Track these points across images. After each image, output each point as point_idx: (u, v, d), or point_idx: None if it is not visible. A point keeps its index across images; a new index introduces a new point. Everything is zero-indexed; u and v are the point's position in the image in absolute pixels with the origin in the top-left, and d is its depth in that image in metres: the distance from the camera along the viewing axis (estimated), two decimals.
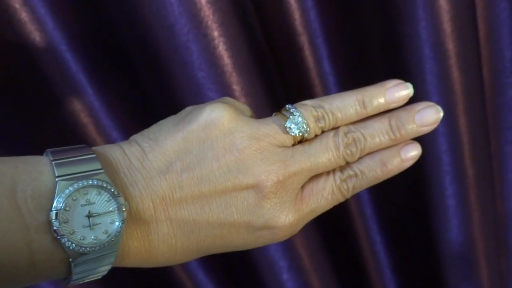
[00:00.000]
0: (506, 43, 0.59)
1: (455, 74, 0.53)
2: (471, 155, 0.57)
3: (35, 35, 0.48)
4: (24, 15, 0.47)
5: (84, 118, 0.53)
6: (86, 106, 0.52)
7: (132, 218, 0.30)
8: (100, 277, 0.30)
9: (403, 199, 0.67)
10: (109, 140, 0.54)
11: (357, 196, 0.66)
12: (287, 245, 0.58)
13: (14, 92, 0.49)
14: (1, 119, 0.50)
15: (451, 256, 0.64)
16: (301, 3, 0.54)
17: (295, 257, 0.59)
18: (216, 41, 0.47)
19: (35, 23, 0.47)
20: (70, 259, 0.27)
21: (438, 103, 0.54)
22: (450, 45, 0.52)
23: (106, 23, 0.51)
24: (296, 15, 0.54)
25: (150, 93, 0.54)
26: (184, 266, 0.63)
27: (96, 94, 0.52)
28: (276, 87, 0.54)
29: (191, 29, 0.46)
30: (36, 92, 0.50)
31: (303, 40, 0.56)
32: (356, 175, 0.35)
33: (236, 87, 0.49)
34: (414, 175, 0.62)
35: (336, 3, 0.56)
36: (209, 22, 0.46)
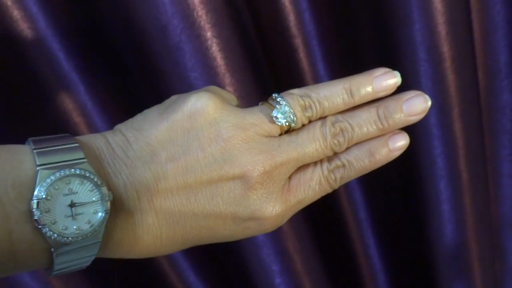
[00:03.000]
0: (501, 46, 0.59)
1: (450, 77, 0.53)
2: (465, 159, 0.57)
3: (27, 33, 0.47)
4: (16, 13, 0.47)
5: (76, 118, 0.52)
6: (78, 105, 0.52)
7: (116, 208, 0.30)
8: (83, 268, 0.30)
9: (397, 203, 0.67)
10: None
11: (351, 200, 0.66)
12: (280, 249, 0.58)
13: (4, 90, 0.49)
14: None
15: (446, 260, 0.63)
16: (295, 5, 0.54)
17: (287, 261, 0.58)
18: (209, 42, 0.47)
19: (27, 21, 0.47)
20: (52, 249, 0.27)
21: (432, 106, 0.54)
22: (445, 48, 0.52)
23: (99, 22, 0.50)
24: (291, 16, 0.54)
25: (142, 93, 0.53)
26: (175, 268, 0.62)
27: (88, 94, 0.51)
28: (270, 88, 0.54)
29: (184, 30, 0.46)
30: (27, 91, 0.50)
31: (298, 41, 0.55)
32: (343, 165, 0.35)
33: (230, 89, 0.49)
34: (408, 178, 0.62)
35: (331, 5, 0.56)
36: (202, 23, 0.46)
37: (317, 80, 0.58)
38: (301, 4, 0.54)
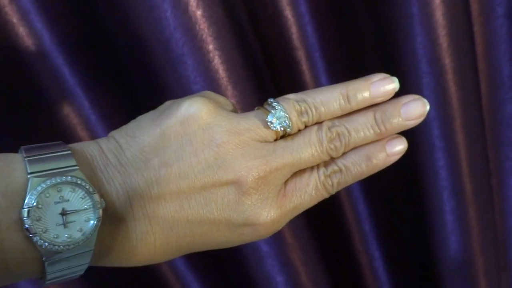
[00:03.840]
0: (504, 59, 0.59)
1: (452, 89, 0.53)
2: (469, 171, 0.57)
3: (32, 49, 0.48)
4: (21, 30, 0.47)
5: (81, 132, 0.53)
6: (82, 120, 0.52)
7: (109, 216, 0.29)
8: (77, 276, 0.29)
9: (401, 214, 0.66)
10: None
11: (355, 211, 0.66)
12: (284, 260, 0.57)
13: (9, 105, 0.50)
14: None
15: (450, 272, 0.63)
16: (298, 18, 0.54)
17: (292, 272, 0.58)
18: (211, 55, 0.47)
19: (32, 37, 0.48)
20: (44, 258, 0.27)
21: (435, 118, 0.54)
22: (447, 60, 0.52)
23: (102, 38, 0.51)
24: (293, 29, 0.55)
25: (146, 106, 0.54)
26: (180, 280, 0.62)
27: (92, 108, 0.52)
28: None
29: (186, 43, 0.47)
30: (32, 106, 0.51)
31: (300, 54, 0.56)
32: (340, 170, 0.34)
33: (231, 101, 0.49)
34: (412, 190, 0.62)
35: (333, 18, 0.56)
36: (204, 36, 0.47)
37: None
38: (304, 17, 0.55)
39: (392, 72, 0.56)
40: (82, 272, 0.29)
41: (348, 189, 0.64)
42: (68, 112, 0.52)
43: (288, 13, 0.54)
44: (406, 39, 0.53)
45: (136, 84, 0.53)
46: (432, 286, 0.66)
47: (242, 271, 0.60)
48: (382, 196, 0.65)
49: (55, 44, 0.49)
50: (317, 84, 0.58)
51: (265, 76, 0.54)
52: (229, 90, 0.49)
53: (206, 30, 0.46)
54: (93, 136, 0.53)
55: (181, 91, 0.49)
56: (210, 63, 0.48)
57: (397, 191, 0.65)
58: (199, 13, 0.46)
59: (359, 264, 0.69)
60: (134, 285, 0.61)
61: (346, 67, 0.58)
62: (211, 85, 0.48)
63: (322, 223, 0.63)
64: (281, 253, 0.57)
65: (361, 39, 0.57)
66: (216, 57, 0.48)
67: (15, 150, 0.50)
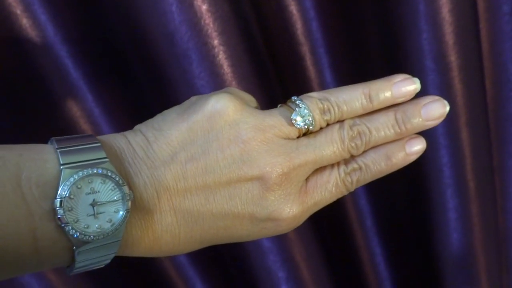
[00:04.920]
0: (509, 56, 0.58)
1: (457, 86, 0.53)
2: (472, 168, 0.57)
3: (36, 41, 0.48)
4: (25, 21, 0.47)
5: (84, 125, 0.53)
6: (85, 113, 0.52)
7: (136, 207, 0.30)
8: (102, 266, 0.30)
9: (403, 211, 0.66)
10: None
11: (357, 207, 0.66)
12: (286, 256, 0.58)
13: (13, 97, 0.49)
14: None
15: (452, 269, 0.63)
16: (303, 13, 0.54)
17: (293, 268, 0.58)
18: (216, 50, 0.47)
19: (36, 29, 0.48)
20: (74, 247, 0.28)
21: None
22: (453, 57, 0.52)
23: (106, 31, 0.51)
24: (298, 25, 0.54)
25: (150, 101, 0.54)
26: (182, 274, 0.62)
27: (96, 101, 0.52)
28: (276, 96, 0.54)
29: (191, 38, 0.46)
30: (35, 98, 0.50)
31: (305, 49, 0.55)
32: (360, 168, 0.35)
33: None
34: (415, 187, 0.62)
35: (338, 13, 0.56)
36: (210, 31, 0.46)
37: (323, 88, 0.58)
38: (309, 12, 0.55)
39: (396, 69, 0.56)
40: (108, 262, 0.30)
41: None
42: (71, 105, 0.52)
43: (293, 8, 0.54)
44: (412, 35, 0.52)
45: (139, 78, 0.53)
46: (433, 283, 0.66)
47: (244, 266, 0.60)
48: (385, 192, 0.65)
49: (59, 36, 0.49)
50: (322, 80, 0.57)
51: (269, 72, 0.53)
52: (234, 86, 0.49)
53: (211, 25, 0.46)
54: (96, 129, 0.53)
55: (185, 86, 0.49)
56: (215, 58, 0.47)
57: (400, 188, 0.65)
58: (204, 7, 0.46)
59: (360, 259, 0.69)
60: (135, 279, 0.61)
61: (351, 63, 0.58)
62: (216, 80, 0.48)
63: (323, 219, 0.63)
64: (283, 249, 0.57)
65: (366, 35, 0.57)
66: (221, 52, 0.47)
67: (18, 141, 0.50)
